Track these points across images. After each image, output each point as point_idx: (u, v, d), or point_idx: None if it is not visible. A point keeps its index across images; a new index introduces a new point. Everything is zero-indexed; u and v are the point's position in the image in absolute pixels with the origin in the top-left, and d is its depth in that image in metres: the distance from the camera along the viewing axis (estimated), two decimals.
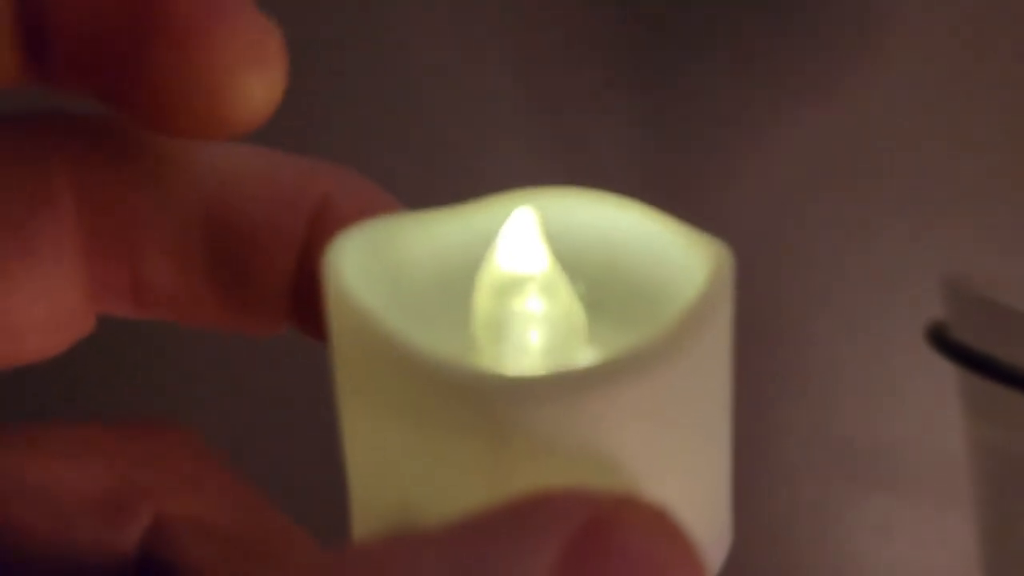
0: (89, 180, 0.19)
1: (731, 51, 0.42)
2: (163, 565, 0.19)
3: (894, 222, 0.43)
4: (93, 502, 0.19)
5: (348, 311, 0.16)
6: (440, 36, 0.42)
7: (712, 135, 0.42)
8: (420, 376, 0.15)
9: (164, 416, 0.20)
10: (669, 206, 0.19)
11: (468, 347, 0.18)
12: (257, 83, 0.17)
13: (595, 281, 0.19)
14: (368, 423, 0.17)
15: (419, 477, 0.16)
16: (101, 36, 0.17)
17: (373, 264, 0.18)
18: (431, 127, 0.42)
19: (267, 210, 0.19)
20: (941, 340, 0.34)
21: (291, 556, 0.19)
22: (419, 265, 0.19)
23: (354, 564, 0.14)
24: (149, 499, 0.19)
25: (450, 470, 0.16)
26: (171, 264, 0.19)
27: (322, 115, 0.42)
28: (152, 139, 0.19)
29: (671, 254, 0.18)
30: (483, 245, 0.19)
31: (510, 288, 0.18)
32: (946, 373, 0.35)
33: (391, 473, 0.16)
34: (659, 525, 0.15)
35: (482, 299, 0.18)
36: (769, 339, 0.43)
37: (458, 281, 0.19)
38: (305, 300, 0.19)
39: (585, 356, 0.18)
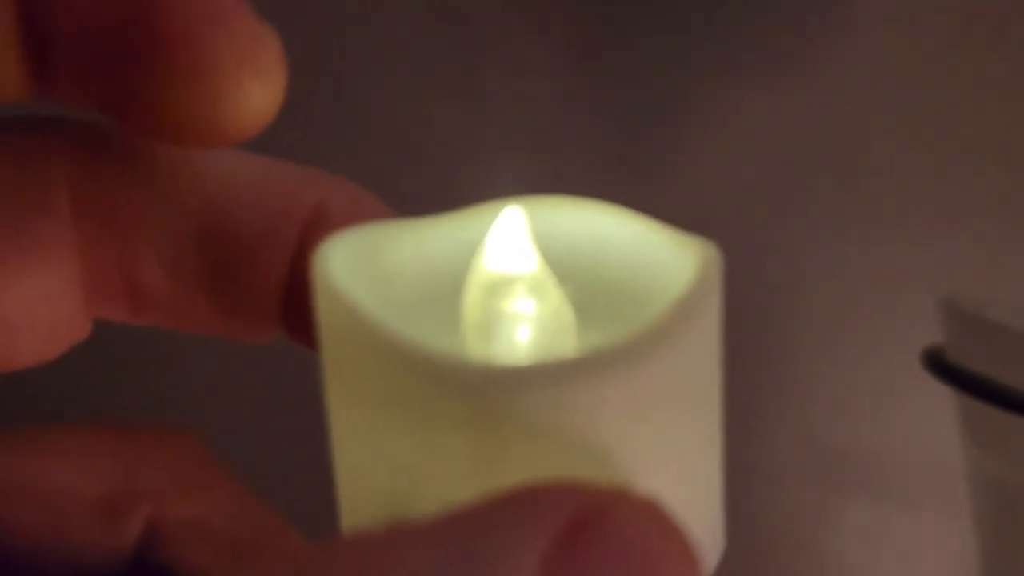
0: (86, 185, 0.19)
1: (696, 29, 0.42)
2: (160, 567, 0.19)
3: (886, 223, 0.42)
4: (91, 503, 0.19)
5: (336, 304, 0.16)
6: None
7: (671, 117, 0.42)
8: (408, 366, 0.15)
9: (163, 419, 0.20)
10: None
11: (457, 350, 0.18)
12: (256, 91, 0.17)
13: (583, 286, 0.19)
14: (356, 416, 0.17)
15: (408, 469, 0.16)
16: (102, 47, 0.17)
17: (361, 268, 0.18)
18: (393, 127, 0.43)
19: (261, 217, 0.19)
20: (939, 364, 0.34)
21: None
22: (406, 271, 0.19)
23: (342, 557, 0.14)
24: (146, 501, 0.19)
25: (439, 461, 0.16)
26: (166, 270, 0.19)
27: (314, 123, 0.42)
28: (149, 146, 0.19)
29: (660, 258, 0.18)
30: (470, 252, 0.19)
31: (499, 288, 0.18)
32: (934, 382, 0.35)
33: (380, 465, 0.16)
34: (651, 516, 0.14)
35: (471, 299, 0.18)
36: (756, 346, 0.43)
37: (445, 287, 0.19)
38: (297, 308, 0.19)
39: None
